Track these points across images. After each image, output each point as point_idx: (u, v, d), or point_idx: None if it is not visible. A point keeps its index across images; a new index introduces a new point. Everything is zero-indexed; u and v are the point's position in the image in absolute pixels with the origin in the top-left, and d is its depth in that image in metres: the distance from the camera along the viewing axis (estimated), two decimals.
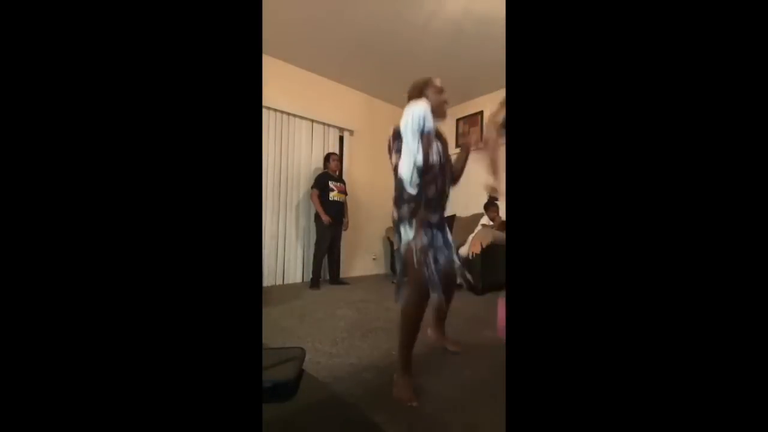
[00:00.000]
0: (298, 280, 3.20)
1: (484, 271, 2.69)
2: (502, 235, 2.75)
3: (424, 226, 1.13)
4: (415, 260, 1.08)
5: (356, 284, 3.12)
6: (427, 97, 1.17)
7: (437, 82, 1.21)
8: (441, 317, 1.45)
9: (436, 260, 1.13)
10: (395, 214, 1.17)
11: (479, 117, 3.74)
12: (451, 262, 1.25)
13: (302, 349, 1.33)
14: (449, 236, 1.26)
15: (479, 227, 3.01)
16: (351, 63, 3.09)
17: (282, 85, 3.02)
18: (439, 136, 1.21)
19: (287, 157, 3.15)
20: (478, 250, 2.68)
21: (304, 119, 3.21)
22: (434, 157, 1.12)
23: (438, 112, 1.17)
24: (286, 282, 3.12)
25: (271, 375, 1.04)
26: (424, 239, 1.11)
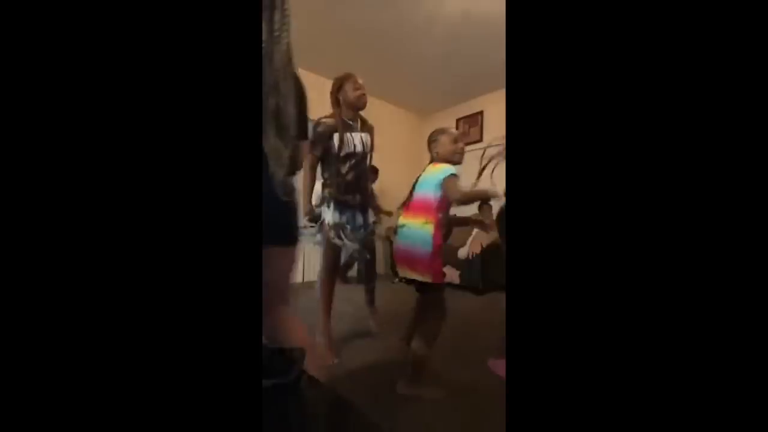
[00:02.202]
0: (298, 280, 3.20)
1: (484, 271, 2.69)
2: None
3: (343, 206, 1.30)
4: (329, 236, 1.28)
5: (356, 284, 3.11)
6: (346, 92, 1.34)
7: (358, 79, 1.37)
8: (369, 297, 1.64)
9: (352, 235, 1.32)
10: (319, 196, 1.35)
11: (479, 117, 3.74)
12: (364, 240, 1.39)
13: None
14: (369, 217, 1.41)
15: (476, 229, 3.02)
16: (351, 63, 3.09)
17: None
18: (363, 126, 1.38)
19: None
20: (478, 250, 2.68)
21: None
22: (350, 148, 1.30)
23: (359, 104, 1.35)
24: None
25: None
26: (338, 217, 1.29)
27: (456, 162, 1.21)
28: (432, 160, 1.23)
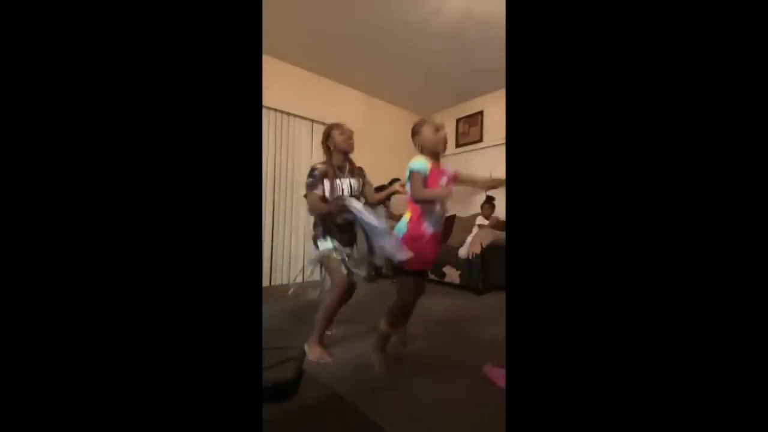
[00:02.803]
0: (298, 280, 3.20)
1: (484, 271, 2.69)
2: (502, 235, 2.75)
3: (335, 232, 1.48)
4: (331, 264, 1.45)
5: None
6: (334, 138, 1.51)
7: (344, 125, 1.54)
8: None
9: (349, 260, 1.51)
10: (313, 231, 1.53)
11: (479, 117, 3.73)
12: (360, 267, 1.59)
13: (302, 349, 1.33)
14: (354, 248, 1.60)
15: (476, 228, 3.01)
16: (351, 63, 3.09)
17: (282, 85, 3.02)
18: (351, 172, 1.56)
19: (287, 157, 3.15)
20: (478, 250, 2.67)
21: (304, 119, 3.21)
22: (339, 192, 1.47)
23: (346, 147, 1.53)
24: (285, 282, 3.12)
25: (271, 375, 1.04)
26: (337, 245, 1.46)
27: (440, 151, 1.24)
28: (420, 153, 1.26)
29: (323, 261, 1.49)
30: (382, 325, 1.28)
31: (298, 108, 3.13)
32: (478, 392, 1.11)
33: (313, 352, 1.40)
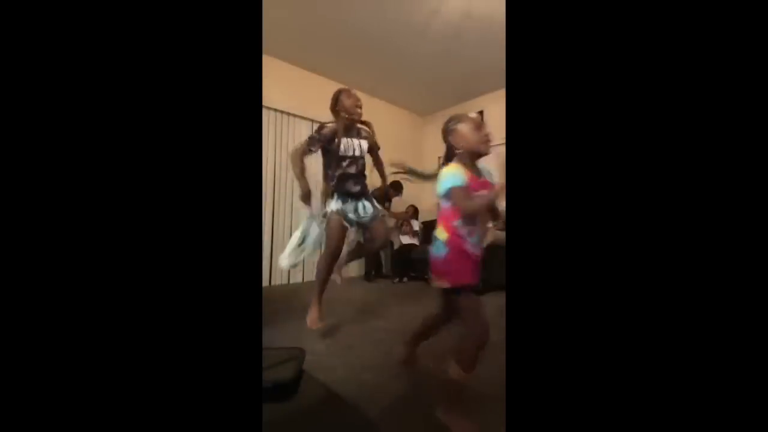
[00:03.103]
0: (298, 280, 3.20)
1: (484, 271, 2.69)
2: (502, 235, 2.75)
3: (345, 195, 1.53)
4: (334, 221, 1.48)
5: (356, 284, 3.11)
6: (342, 102, 1.56)
7: (351, 90, 1.62)
8: (339, 263, 1.84)
9: (355, 222, 1.55)
10: (323, 188, 1.57)
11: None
12: (372, 222, 1.62)
13: (302, 349, 1.33)
14: (374, 203, 1.65)
15: None
16: (351, 63, 3.09)
17: (282, 85, 3.02)
18: (358, 133, 1.63)
19: (287, 157, 3.15)
20: None
21: (304, 119, 3.21)
22: (349, 152, 1.55)
23: (354, 111, 1.57)
24: (286, 282, 3.11)
25: (271, 375, 1.04)
26: (341, 205, 1.50)
27: (483, 153, 1.02)
28: (448, 156, 1.04)
29: (326, 222, 1.54)
30: (455, 372, 0.95)
31: (298, 108, 3.13)
32: (477, 393, 1.11)
33: (310, 316, 1.52)
